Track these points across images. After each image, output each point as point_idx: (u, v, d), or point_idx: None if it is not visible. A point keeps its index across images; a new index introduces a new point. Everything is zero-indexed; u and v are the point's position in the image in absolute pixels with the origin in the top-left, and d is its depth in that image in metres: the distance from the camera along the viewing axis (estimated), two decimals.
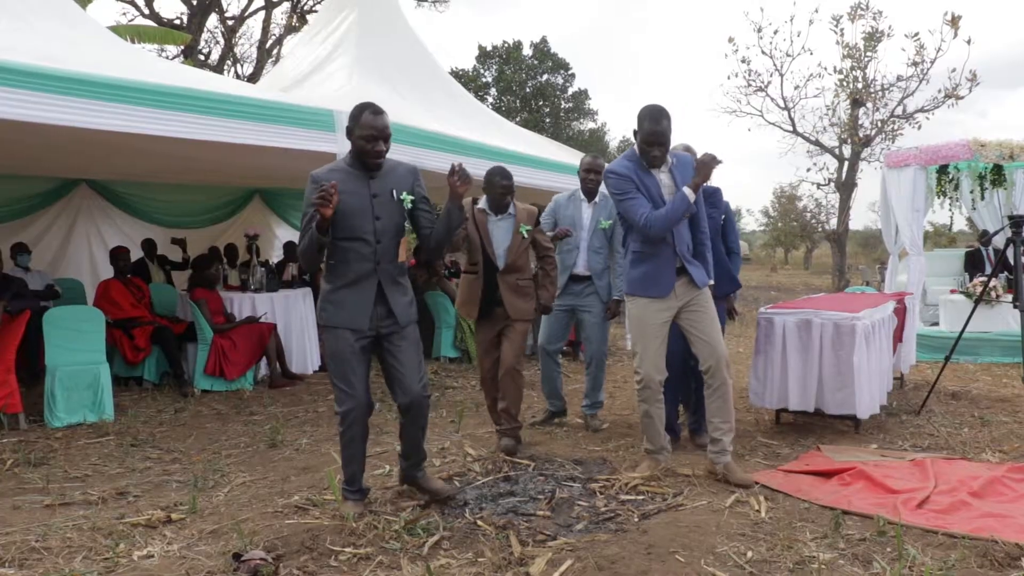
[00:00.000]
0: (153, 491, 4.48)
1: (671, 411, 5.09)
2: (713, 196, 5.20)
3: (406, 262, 4.05)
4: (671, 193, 4.38)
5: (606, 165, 5.20)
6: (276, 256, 10.66)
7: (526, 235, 5.09)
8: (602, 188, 5.57)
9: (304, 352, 8.35)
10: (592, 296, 5.71)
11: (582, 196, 5.78)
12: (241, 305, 8.02)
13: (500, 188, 5.10)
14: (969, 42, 17.96)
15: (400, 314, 3.88)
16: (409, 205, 3.89)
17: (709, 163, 4.29)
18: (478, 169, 5.19)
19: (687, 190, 4.27)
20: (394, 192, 3.84)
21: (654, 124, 4.30)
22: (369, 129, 3.76)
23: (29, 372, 7.04)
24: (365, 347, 3.85)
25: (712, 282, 4.65)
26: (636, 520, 3.88)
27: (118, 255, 7.80)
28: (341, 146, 6.54)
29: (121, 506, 4.20)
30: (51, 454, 5.29)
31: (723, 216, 5.36)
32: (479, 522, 3.82)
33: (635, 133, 4.42)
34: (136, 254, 8.92)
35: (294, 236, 11.09)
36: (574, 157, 10.78)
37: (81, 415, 6.16)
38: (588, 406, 5.90)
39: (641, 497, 4.22)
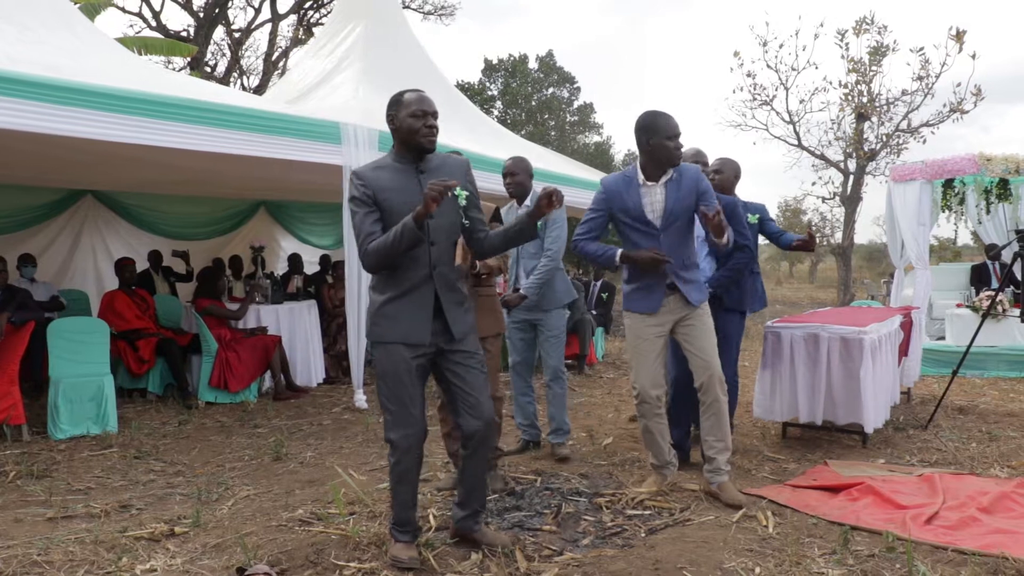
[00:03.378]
0: (156, 504, 4.46)
1: (682, 431, 5.04)
2: (730, 212, 4.96)
3: (464, 266, 3.70)
4: (660, 206, 4.28)
5: (527, 165, 5.17)
6: (281, 268, 10.65)
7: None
8: (534, 190, 5.14)
9: (308, 365, 8.33)
10: (540, 309, 5.25)
11: (515, 204, 5.26)
12: (246, 317, 8.01)
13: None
14: (974, 57, 17.94)
15: (459, 327, 3.49)
16: (464, 202, 3.49)
17: (654, 260, 4.23)
18: (486, 183, 5.16)
19: (617, 257, 4.33)
20: (427, 185, 3.38)
21: (668, 119, 4.27)
22: (415, 104, 3.40)
23: (33, 383, 7.04)
24: (423, 365, 3.45)
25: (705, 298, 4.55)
26: (643, 535, 3.85)
27: (123, 266, 7.81)
28: (347, 158, 6.58)
29: (124, 519, 4.18)
30: (54, 466, 5.28)
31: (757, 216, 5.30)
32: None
33: (639, 143, 4.34)
34: (141, 265, 8.92)
35: (299, 248, 11.12)
36: (580, 170, 10.81)
37: (84, 427, 6.14)
38: (552, 433, 5.37)
39: (648, 512, 4.19)
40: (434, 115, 3.44)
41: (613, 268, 4.36)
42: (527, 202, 5.16)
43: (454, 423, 3.61)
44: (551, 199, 3.29)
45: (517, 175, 5.16)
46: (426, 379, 3.51)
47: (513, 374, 5.48)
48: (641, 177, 4.36)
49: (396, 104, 3.46)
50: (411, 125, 3.40)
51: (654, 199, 4.32)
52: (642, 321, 4.43)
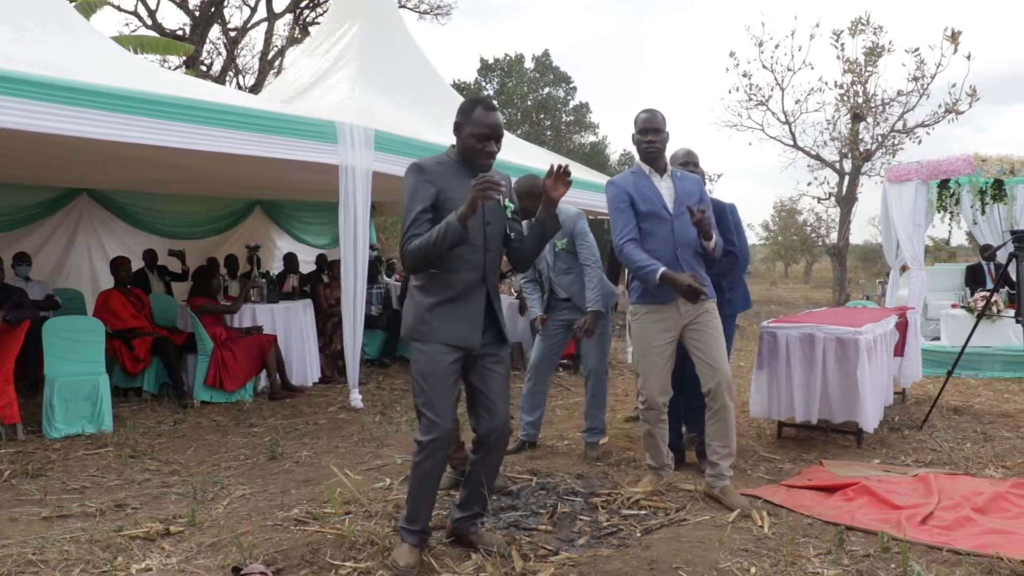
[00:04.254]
0: (152, 503, 4.45)
1: (674, 431, 5.03)
2: (719, 217, 4.94)
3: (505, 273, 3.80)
4: (670, 196, 4.38)
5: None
6: (277, 267, 10.64)
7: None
8: (561, 205, 5.27)
9: (304, 364, 8.32)
10: (582, 311, 5.35)
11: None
12: (241, 316, 8.01)
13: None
14: (969, 57, 18.00)
15: (504, 333, 3.53)
16: (510, 214, 3.52)
17: (688, 294, 4.18)
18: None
19: (658, 276, 4.19)
20: (500, 198, 3.39)
21: (646, 113, 4.42)
22: (482, 127, 3.35)
23: (28, 382, 7.02)
24: (459, 368, 3.41)
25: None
26: (638, 535, 3.86)
27: (119, 265, 7.80)
28: (343, 157, 6.59)
29: (119, 518, 4.17)
30: (49, 465, 5.26)
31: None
32: (482, 528, 3.78)
33: (633, 138, 4.51)
34: (137, 264, 8.91)
35: (295, 247, 11.11)
36: (576, 171, 10.79)
37: (80, 426, 6.13)
38: (588, 431, 5.47)
39: (643, 512, 4.19)
40: (498, 140, 3.41)
41: (651, 284, 4.27)
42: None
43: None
44: (558, 179, 3.32)
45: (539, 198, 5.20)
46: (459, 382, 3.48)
47: (535, 372, 5.53)
48: (647, 168, 4.46)
49: (465, 115, 3.40)
50: (472, 146, 3.38)
51: (664, 190, 4.42)
52: (654, 325, 4.41)
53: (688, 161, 5.09)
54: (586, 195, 9.36)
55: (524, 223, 3.86)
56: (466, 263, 3.35)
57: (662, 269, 4.21)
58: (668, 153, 4.64)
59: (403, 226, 3.32)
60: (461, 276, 3.36)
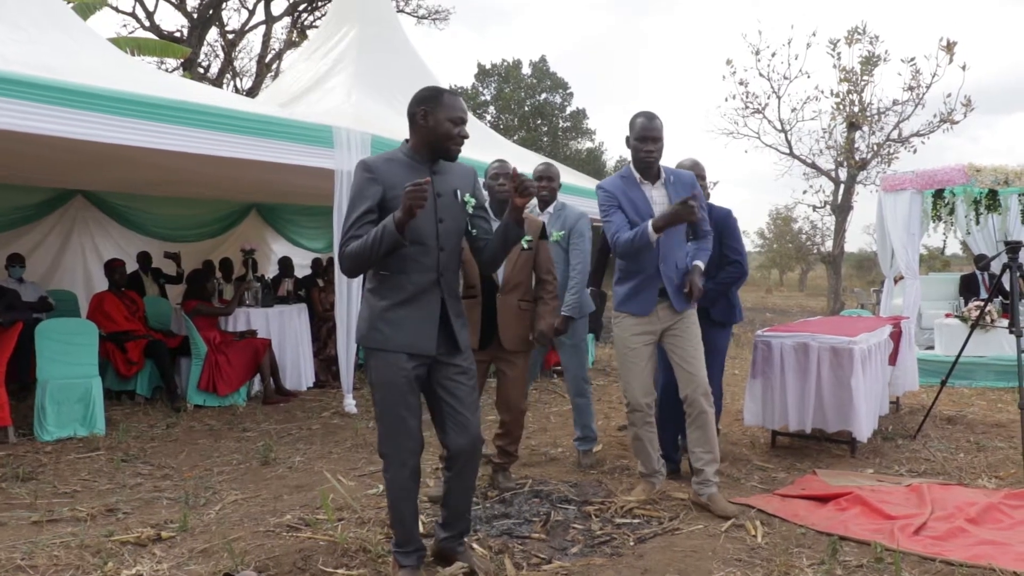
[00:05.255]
0: (143, 508, 4.44)
1: (670, 440, 5.03)
2: (722, 224, 4.99)
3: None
4: (661, 206, 4.30)
5: (559, 171, 5.12)
6: (272, 271, 10.62)
7: (527, 246, 4.31)
8: (559, 198, 5.27)
9: (298, 369, 8.31)
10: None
11: (537, 208, 5.27)
12: (236, 320, 7.99)
13: (499, 192, 4.56)
14: (964, 68, 18.09)
15: (463, 338, 3.34)
16: (471, 210, 3.34)
17: (681, 212, 4.04)
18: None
19: (650, 229, 4.11)
20: (458, 192, 3.29)
21: (648, 120, 4.27)
22: (457, 111, 3.21)
23: (20, 384, 6.99)
24: (420, 376, 3.24)
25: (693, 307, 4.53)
26: (632, 544, 3.85)
27: (114, 268, 7.77)
28: (339, 162, 6.58)
29: (110, 523, 4.15)
30: (40, 469, 5.24)
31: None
32: (474, 544, 3.77)
33: (627, 141, 4.38)
34: (131, 267, 8.88)
35: (291, 251, 11.09)
36: (572, 177, 10.80)
37: (71, 429, 6.10)
38: (579, 440, 5.41)
39: (637, 521, 4.18)
40: (467, 123, 3.30)
41: (651, 243, 4.17)
42: (549, 209, 5.22)
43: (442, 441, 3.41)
44: (518, 184, 3.15)
45: (553, 180, 5.22)
46: (420, 390, 3.32)
47: None
48: (638, 176, 4.38)
49: (432, 101, 3.22)
50: (447, 131, 3.21)
51: (655, 199, 4.35)
52: (631, 329, 4.41)
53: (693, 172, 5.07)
54: (582, 201, 9.34)
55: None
56: (417, 264, 3.18)
57: (648, 223, 4.13)
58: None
59: (344, 225, 3.17)
60: (413, 278, 3.19)
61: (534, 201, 5.28)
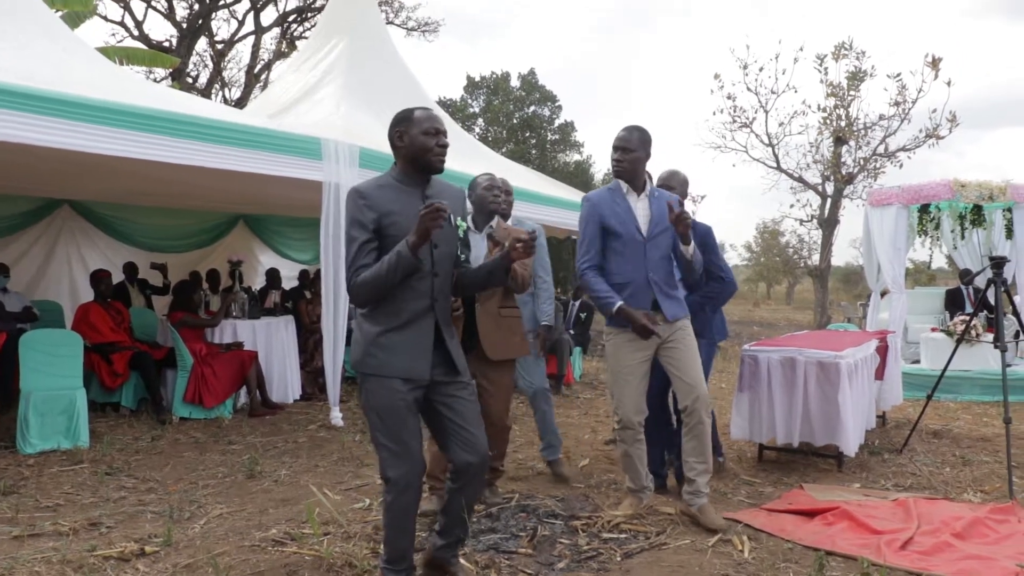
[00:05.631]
0: (127, 522, 4.40)
1: (657, 456, 5.01)
2: (701, 240, 5.05)
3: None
4: (645, 217, 4.35)
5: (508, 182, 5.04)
6: (259, 283, 10.58)
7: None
8: (514, 212, 5.16)
9: (285, 381, 8.27)
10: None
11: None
12: (222, 332, 7.95)
13: (492, 203, 4.60)
14: (949, 84, 18.26)
15: (461, 360, 3.32)
16: (462, 234, 3.32)
17: (644, 329, 4.20)
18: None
19: (614, 310, 4.24)
20: (451, 217, 3.21)
21: (622, 132, 4.36)
22: (427, 122, 3.20)
23: (2, 396, 6.93)
24: (418, 399, 3.20)
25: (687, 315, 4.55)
26: (619, 559, 3.83)
27: (100, 278, 7.72)
28: (328, 174, 6.57)
29: (93, 537, 4.10)
30: (22, 482, 5.19)
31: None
32: (460, 559, 3.75)
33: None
34: (117, 277, 8.84)
35: (278, 263, 11.05)
36: (560, 190, 10.83)
37: (55, 441, 6.05)
38: (545, 450, 5.39)
39: (624, 535, 4.17)
40: (445, 133, 3.27)
41: (608, 315, 4.33)
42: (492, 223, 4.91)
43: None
44: (526, 246, 3.12)
45: (511, 194, 5.07)
46: (419, 411, 3.27)
47: None
48: (625, 187, 4.41)
49: (405, 121, 3.24)
50: (424, 143, 3.19)
51: (639, 210, 4.37)
52: (627, 345, 4.39)
53: (665, 185, 5.10)
54: (571, 215, 9.36)
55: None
56: (412, 290, 3.16)
57: (619, 303, 4.24)
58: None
59: (348, 257, 3.15)
60: (408, 304, 3.16)
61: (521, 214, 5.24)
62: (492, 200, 4.60)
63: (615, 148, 4.37)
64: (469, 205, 4.48)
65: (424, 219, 2.95)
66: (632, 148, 4.32)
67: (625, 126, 4.40)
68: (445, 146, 3.25)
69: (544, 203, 8.96)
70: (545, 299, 5.14)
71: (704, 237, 4.98)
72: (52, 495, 4.90)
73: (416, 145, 3.20)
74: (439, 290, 3.23)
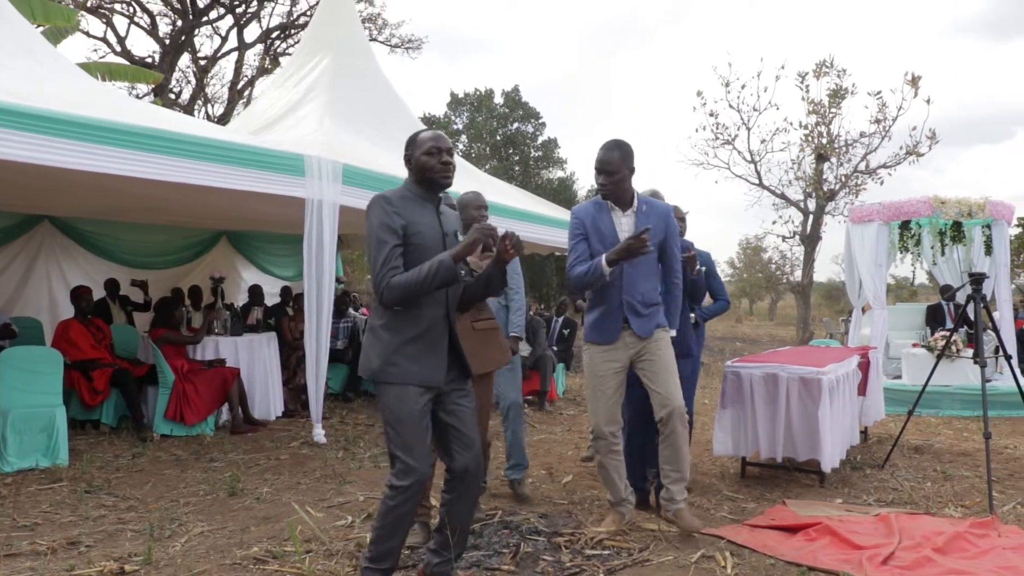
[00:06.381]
0: (106, 540, 4.35)
1: (638, 471, 5.00)
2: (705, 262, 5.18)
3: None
4: (629, 234, 4.25)
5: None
6: (242, 299, 10.54)
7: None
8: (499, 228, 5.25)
9: (267, 398, 8.22)
10: None
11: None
12: (204, 348, 7.91)
13: (484, 217, 4.70)
14: (928, 102, 18.47)
15: (467, 368, 3.47)
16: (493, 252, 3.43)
17: (633, 245, 4.07)
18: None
19: (603, 263, 4.16)
20: (456, 234, 3.45)
21: (602, 152, 4.30)
22: (430, 142, 3.37)
23: None
24: (429, 407, 3.31)
25: (674, 332, 4.56)
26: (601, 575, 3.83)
27: (80, 295, 7.67)
28: (310, 191, 6.56)
29: (72, 557, 4.06)
30: None
31: (703, 268, 5.39)
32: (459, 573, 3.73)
33: None
34: (98, 294, 8.78)
35: (261, 279, 11.01)
36: (543, 207, 10.85)
37: (33, 459, 5.99)
38: (511, 469, 5.30)
39: (607, 552, 4.16)
40: (449, 152, 3.41)
41: (604, 276, 4.21)
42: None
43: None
44: (511, 243, 3.24)
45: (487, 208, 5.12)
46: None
47: None
48: (610, 202, 4.39)
49: (411, 143, 3.43)
50: (426, 163, 3.36)
51: (623, 227, 4.35)
52: (600, 356, 4.42)
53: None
54: (554, 232, 9.40)
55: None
56: (431, 299, 3.29)
57: (602, 257, 4.17)
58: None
59: (377, 260, 3.21)
60: (427, 312, 3.28)
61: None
62: (478, 217, 4.70)
63: (597, 171, 4.34)
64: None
65: (481, 232, 3.16)
66: (614, 170, 4.28)
67: (604, 144, 4.33)
68: (447, 163, 3.39)
69: (527, 220, 8.98)
70: (516, 311, 5.19)
71: (707, 261, 5.11)
72: (30, 514, 4.84)
73: (420, 165, 3.38)
74: (452, 299, 3.40)
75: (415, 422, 3.22)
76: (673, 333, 4.55)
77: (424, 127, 3.45)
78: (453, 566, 3.53)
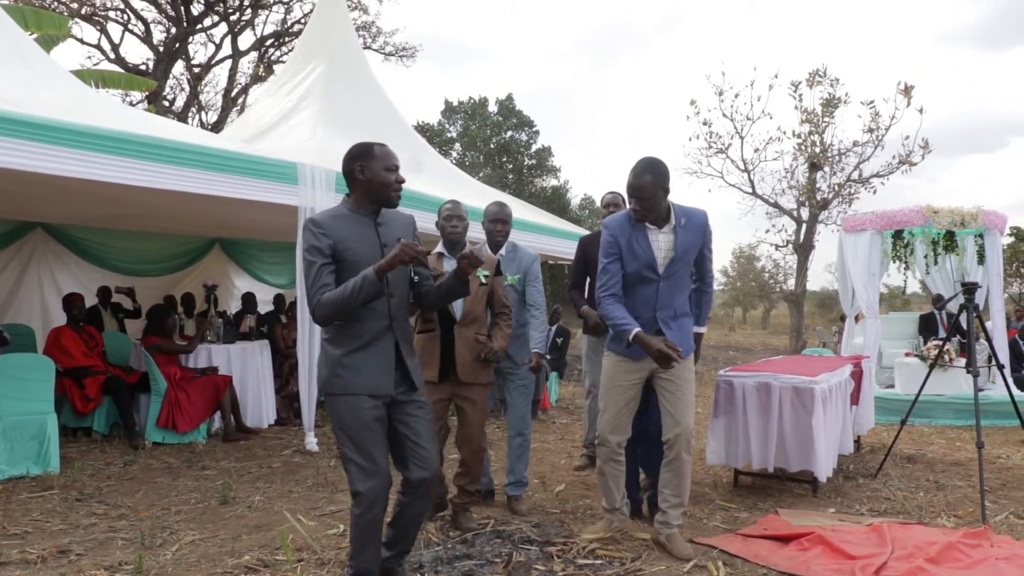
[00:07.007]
0: (97, 549, 4.33)
1: (632, 479, 4.98)
2: None
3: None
4: (667, 252, 4.21)
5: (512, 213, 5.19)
6: (235, 307, 10.51)
7: (484, 280, 4.02)
8: (511, 239, 5.26)
9: (260, 406, 8.20)
10: (510, 359, 5.12)
11: (488, 249, 5.17)
12: (197, 356, 7.88)
13: (455, 229, 4.68)
14: (921, 111, 18.59)
15: (418, 377, 3.50)
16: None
17: (662, 353, 4.08)
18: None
19: (631, 337, 4.10)
20: (400, 241, 3.35)
21: (632, 177, 4.14)
22: (390, 159, 3.37)
23: None
24: (382, 415, 3.35)
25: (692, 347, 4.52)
26: None
27: (72, 302, 7.64)
28: (303, 199, 6.56)
29: (62, 565, 4.04)
30: None
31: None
32: (406, 567, 3.72)
33: None
34: (90, 301, 8.74)
35: (253, 286, 10.98)
36: (537, 215, 10.86)
37: (24, 467, 5.96)
38: (510, 485, 5.21)
39: (599, 561, 4.16)
40: (399, 169, 3.44)
41: (624, 343, 4.20)
42: (502, 251, 5.19)
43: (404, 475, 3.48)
44: (468, 261, 3.29)
45: (507, 223, 5.24)
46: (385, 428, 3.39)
47: None
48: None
49: (366, 155, 3.37)
50: (385, 179, 3.36)
51: (660, 244, 4.23)
52: (622, 365, 4.36)
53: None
54: (547, 240, 9.41)
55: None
56: (371, 311, 3.32)
57: (636, 330, 4.11)
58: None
59: (308, 280, 3.29)
60: (367, 325, 3.33)
61: (481, 236, 5.36)
62: (451, 230, 4.71)
63: (630, 196, 4.18)
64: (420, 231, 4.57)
65: (403, 252, 3.14)
66: (648, 196, 4.12)
67: (634, 168, 4.15)
68: (402, 182, 3.44)
69: (521, 228, 8.97)
70: (538, 327, 5.21)
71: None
72: (20, 522, 4.82)
73: (378, 181, 3.37)
74: (396, 310, 3.40)
75: (367, 427, 3.28)
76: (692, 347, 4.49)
77: (368, 141, 3.42)
78: (402, 562, 3.62)
